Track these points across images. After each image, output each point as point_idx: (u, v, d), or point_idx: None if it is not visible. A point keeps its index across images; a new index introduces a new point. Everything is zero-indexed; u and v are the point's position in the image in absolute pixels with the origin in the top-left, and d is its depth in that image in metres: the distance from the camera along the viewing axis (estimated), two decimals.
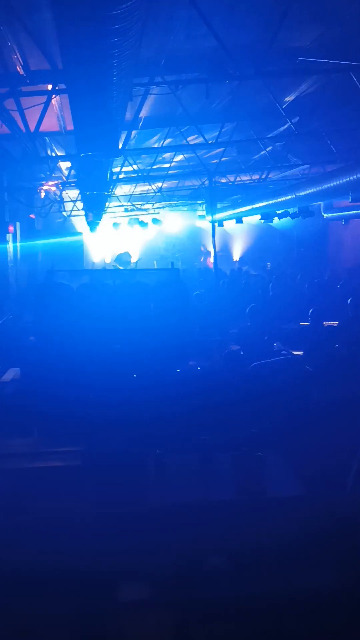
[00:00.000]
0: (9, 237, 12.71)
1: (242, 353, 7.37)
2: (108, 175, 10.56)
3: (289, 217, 15.18)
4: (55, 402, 5.83)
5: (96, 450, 4.62)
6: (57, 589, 3.60)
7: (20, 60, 6.37)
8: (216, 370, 7.25)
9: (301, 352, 7.88)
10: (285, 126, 10.38)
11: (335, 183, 10.51)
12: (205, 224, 22.35)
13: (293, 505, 4.08)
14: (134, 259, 19.56)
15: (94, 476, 4.34)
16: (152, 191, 16.63)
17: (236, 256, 23.69)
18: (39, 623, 3.46)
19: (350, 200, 11.82)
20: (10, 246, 12.85)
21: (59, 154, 11.43)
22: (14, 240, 13.46)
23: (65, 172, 13.59)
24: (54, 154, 11.23)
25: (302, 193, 12.34)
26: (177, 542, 3.82)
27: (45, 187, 12.94)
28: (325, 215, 17.02)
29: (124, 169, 13.06)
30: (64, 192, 15.63)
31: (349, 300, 9.71)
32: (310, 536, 3.76)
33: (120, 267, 15.77)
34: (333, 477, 4.42)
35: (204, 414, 5.30)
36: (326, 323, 9.24)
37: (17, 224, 13.81)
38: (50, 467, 4.75)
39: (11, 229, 12.69)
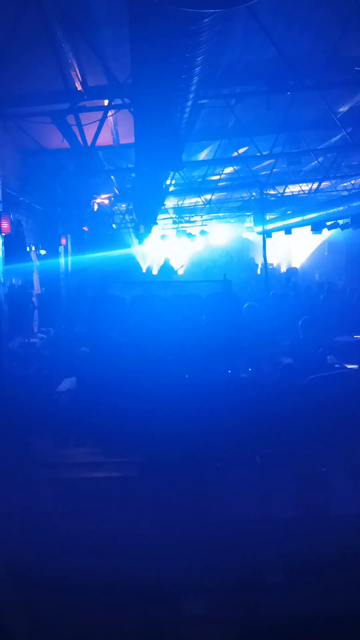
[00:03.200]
0: (62, 249, 12.95)
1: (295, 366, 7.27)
2: (163, 188, 10.64)
3: (338, 229, 14.97)
4: (111, 413, 5.86)
5: (154, 461, 4.61)
6: (119, 602, 3.59)
7: (79, 76, 6.52)
8: (269, 383, 7.17)
9: (355, 366, 7.71)
10: (338, 136, 10.27)
11: None
12: (252, 236, 22.26)
13: (355, 523, 3.97)
14: (176, 265, 19.63)
15: (151, 487, 4.32)
16: (201, 203, 16.69)
17: (297, 265, 23.36)
18: (101, 637, 3.45)
19: None
20: (62, 258, 13.09)
21: (111, 168, 11.59)
22: (66, 252, 13.70)
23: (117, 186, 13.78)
24: (109, 168, 11.40)
25: (355, 204, 12.15)
26: (239, 557, 3.77)
27: (98, 200, 13.14)
28: None
29: (174, 181, 13.15)
30: (114, 206, 15.85)
31: None
32: None
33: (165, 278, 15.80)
34: None
35: (263, 427, 5.22)
36: None
37: (69, 236, 14.06)
38: (107, 477, 4.75)
39: (64, 241, 12.93)
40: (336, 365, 7.67)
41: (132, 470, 4.74)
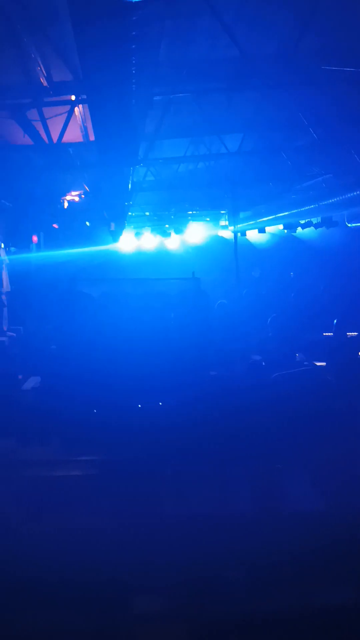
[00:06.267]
0: (33, 247, 12.83)
1: (263, 363, 7.30)
2: (130, 185, 10.60)
3: (312, 227, 15.07)
4: (75, 411, 5.83)
5: (113, 459, 4.60)
6: (71, 598, 3.57)
7: (44, 71, 6.45)
8: (237, 380, 7.19)
9: (324, 363, 7.77)
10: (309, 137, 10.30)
11: (358, 192, 10.40)
12: (228, 234, 22.30)
13: (312, 520, 4.00)
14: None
15: (110, 485, 4.32)
16: (175, 201, 16.66)
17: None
18: (50, 634, 3.43)
19: None
20: (33, 256, 12.98)
21: (77, 164, 11.51)
22: (38, 249, 13.58)
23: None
24: (77, 164, 11.32)
25: (325, 202, 12.24)
26: (193, 554, 3.77)
27: (68, 197, 13.05)
28: (349, 225, 16.84)
29: (147, 178, 13.11)
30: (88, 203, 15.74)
31: None
32: (328, 552, 3.67)
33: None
34: (354, 491, 4.32)
35: (223, 424, 5.24)
36: (349, 334, 9.12)
37: (41, 233, 13.94)
38: (67, 475, 4.74)
39: (35, 239, 12.82)
40: (305, 363, 7.73)
41: (92, 469, 4.73)
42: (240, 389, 6.56)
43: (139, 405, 5.99)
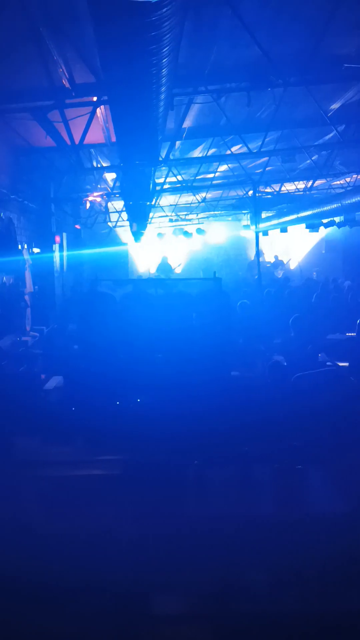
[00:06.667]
0: (56, 247, 12.93)
1: (285, 364, 7.25)
2: (151, 186, 10.63)
3: (335, 227, 14.94)
4: (97, 411, 5.86)
5: (136, 459, 4.61)
6: (93, 598, 3.59)
7: (66, 73, 6.50)
8: (258, 380, 7.15)
9: (347, 364, 7.69)
10: (331, 134, 10.24)
11: None
12: (250, 234, 22.23)
13: (334, 522, 3.96)
14: (173, 263, 19.63)
15: (132, 485, 4.32)
16: (196, 201, 16.65)
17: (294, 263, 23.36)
18: (72, 634, 3.44)
19: None
20: (56, 256, 13.08)
21: (105, 165, 11.59)
22: (61, 250, 13.69)
23: (111, 184, 13.76)
24: (99, 166, 11.39)
25: (349, 201, 12.11)
26: (215, 555, 3.76)
27: (90, 198, 13.13)
28: None
29: (168, 179, 13.15)
30: (109, 203, 15.83)
31: None
32: (351, 554, 3.63)
33: (162, 276, 15.81)
34: None
35: (246, 425, 5.22)
36: None
37: (64, 234, 14.04)
38: (90, 475, 4.76)
39: (58, 239, 12.91)
40: (327, 363, 7.65)
41: (115, 469, 4.74)
42: (262, 390, 6.52)
43: (161, 405, 5.99)
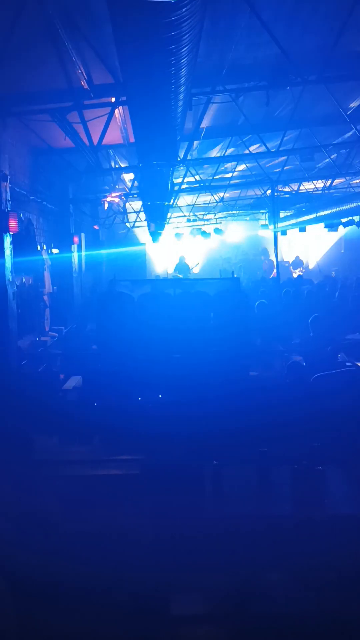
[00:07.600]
0: (74, 247, 13.00)
1: (304, 364, 7.21)
2: (169, 186, 10.64)
3: (354, 226, 14.82)
4: (115, 411, 5.87)
5: (155, 459, 4.60)
6: (112, 598, 3.59)
7: (85, 74, 6.52)
8: (277, 381, 7.12)
9: None
10: (350, 132, 10.16)
11: None
12: (268, 233, 22.14)
13: (354, 523, 3.92)
14: (191, 263, 19.64)
15: (151, 485, 4.32)
16: (214, 201, 16.62)
17: (313, 262, 23.27)
18: (91, 634, 3.45)
19: None
20: (75, 257, 13.15)
21: (123, 165, 11.62)
22: (79, 250, 13.76)
23: (129, 184, 13.80)
24: (117, 166, 11.43)
25: None
26: (234, 555, 3.74)
27: (108, 199, 13.18)
28: None
29: (186, 179, 13.15)
30: (127, 204, 15.88)
31: None
32: None
33: (180, 276, 15.81)
34: None
35: (264, 425, 5.19)
36: None
37: (82, 235, 14.11)
38: (108, 474, 4.77)
39: (76, 240, 12.98)
40: (347, 364, 7.59)
41: (134, 468, 4.74)
42: (280, 390, 6.49)
43: (179, 405, 5.98)
